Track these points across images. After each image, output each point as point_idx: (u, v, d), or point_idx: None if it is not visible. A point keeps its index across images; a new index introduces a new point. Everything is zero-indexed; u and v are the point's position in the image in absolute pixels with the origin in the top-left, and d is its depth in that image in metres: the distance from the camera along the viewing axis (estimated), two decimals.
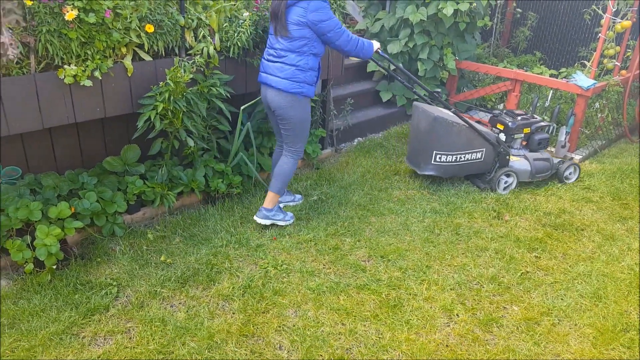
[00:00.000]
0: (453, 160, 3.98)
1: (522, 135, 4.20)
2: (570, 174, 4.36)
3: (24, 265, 2.80)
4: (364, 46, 3.28)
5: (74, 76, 2.83)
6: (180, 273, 2.95)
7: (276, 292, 2.86)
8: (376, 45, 3.43)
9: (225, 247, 3.22)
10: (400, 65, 4.31)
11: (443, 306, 2.81)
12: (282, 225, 3.47)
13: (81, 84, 2.86)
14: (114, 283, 2.85)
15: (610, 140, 5.33)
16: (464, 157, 3.99)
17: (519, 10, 6.78)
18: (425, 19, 4.88)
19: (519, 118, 4.20)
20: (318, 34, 3.09)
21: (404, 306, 2.80)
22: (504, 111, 4.34)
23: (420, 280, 3.02)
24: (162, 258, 3.07)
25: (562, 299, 2.93)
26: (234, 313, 2.70)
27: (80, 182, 3.19)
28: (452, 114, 3.96)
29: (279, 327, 2.62)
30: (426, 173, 4.04)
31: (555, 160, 4.32)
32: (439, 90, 4.64)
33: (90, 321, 2.59)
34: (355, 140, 5.12)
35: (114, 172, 3.37)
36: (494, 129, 4.26)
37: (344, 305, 2.78)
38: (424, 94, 4.34)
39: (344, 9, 4.12)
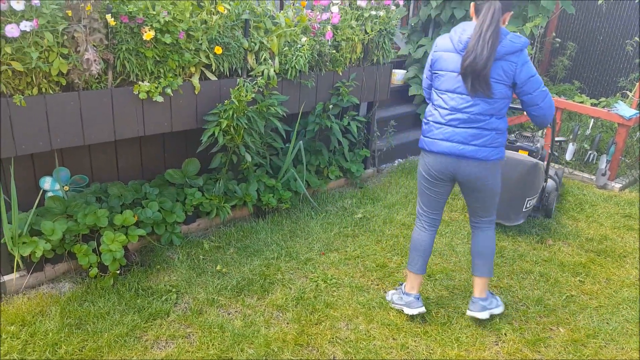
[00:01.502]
0: (536, 201, 3.88)
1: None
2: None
3: (89, 270, 2.94)
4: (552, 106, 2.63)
5: (147, 92, 3.03)
6: (236, 282, 3.06)
7: (327, 304, 2.95)
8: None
9: (276, 259, 3.34)
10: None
11: (491, 325, 2.87)
12: (498, 314, 2.90)
13: (153, 99, 3.05)
14: (173, 290, 2.96)
15: None
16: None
17: (558, 39, 6.88)
18: None
19: (536, 140, 4.10)
20: (520, 93, 2.52)
21: (453, 324, 2.87)
22: (517, 135, 4.24)
23: (468, 300, 3.08)
24: (217, 267, 3.20)
25: (607, 323, 2.96)
26: (288, 323, 2.79)
27: (143, 192, 3.36)
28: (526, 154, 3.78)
29: (332, 338, 2.70)
30: (517, 223, 3.78)
31: None
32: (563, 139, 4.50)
33: (152, 325, 2.69)
34: (396, 162, 5.24)
35: (173, 183, 3.54)
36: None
37: (394, 321, 2.86)
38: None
39: (393, 35, 4.28)
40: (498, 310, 2.88)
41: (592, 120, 5.25)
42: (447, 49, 2.52)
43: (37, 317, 2.68)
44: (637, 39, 5.36)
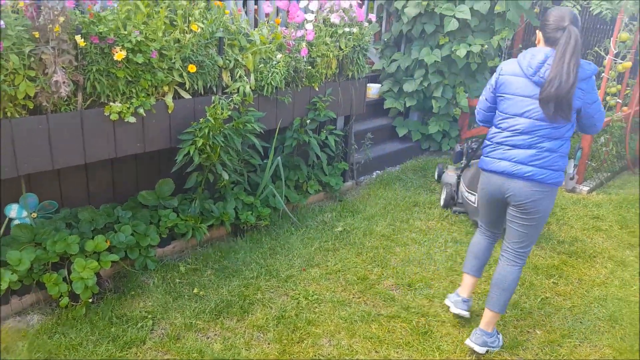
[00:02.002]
0: None
1: None
2: None
3: (59, 299, 2.81)
4: None
5: (119, 113, 2.97)
6: (214, 305, 2.99)
7: (309, 322, 2.92)
8: None
9: (256, 278, 3.29)
10: None
11: (471, 331, 2.89)
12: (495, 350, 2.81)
13: (125, 120, 3.00)
14: (149, 316, 2.88)
15: (615, 172, 5.53)
16: None
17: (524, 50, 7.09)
18: (440, 60, 5.14)
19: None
20: (584, 116, 2.55)
21: (434, 333, 2.89)
22: (466, 144, 4.47)
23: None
24: (195, 290, 3.12)
25: (581, 322, 3.04)
26: (269, 343, 2.75)
27: (115, 215, 3.27)
28: None
29: (315, 356, 2.67)
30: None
31: None
32: None
33: (127, 354, 2.60)
34: (374, 173, 5.28)
35: (147, 205, 3.46)
36: None
37: (376, 334, 2.85)
38: None
39: (366, 51, 4.34)
40: (496, 349, 2.79)
41: None
42: (515, 73, 2.54)
43: (2, 355, 2.55)
44: (597, 50, 5.58)
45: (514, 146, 2.56)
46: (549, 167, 2.53)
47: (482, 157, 2.75)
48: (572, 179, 4.97)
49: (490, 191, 2.71)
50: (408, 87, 5.37)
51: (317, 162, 4.38)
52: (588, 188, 5.01)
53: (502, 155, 2.60)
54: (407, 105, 5.48)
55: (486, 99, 2.72)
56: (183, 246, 3.57)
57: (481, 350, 2.71)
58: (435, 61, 5.14)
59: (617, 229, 4.23)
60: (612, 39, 4.95)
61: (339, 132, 4.45)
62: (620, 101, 5.45)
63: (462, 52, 4.95)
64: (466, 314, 2.93)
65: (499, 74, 2.61)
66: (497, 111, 2.67)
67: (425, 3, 4.95)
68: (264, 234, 3.82)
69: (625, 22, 4.90)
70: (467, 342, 2.76)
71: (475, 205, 3.96)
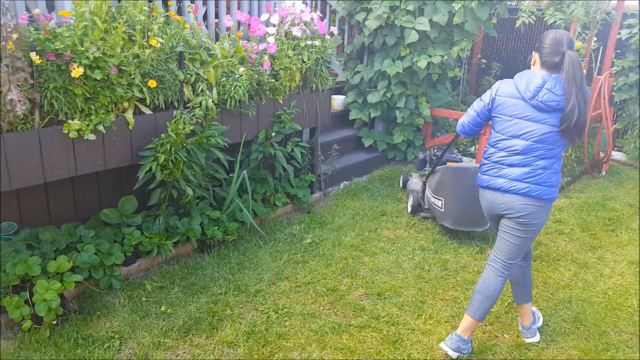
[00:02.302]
0: None
1: None
2: None
3: (21, 323, 2.74)
4: None
5: (78, 130, 2.92)
6: (182, 322, 2.95)
7: (280, 335, 2.90)
8: None
9: (224, 294, 3.26)
10: None
11: (440, 338, 2.92)
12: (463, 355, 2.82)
13: (85, 137, 2.94)
14: (116, 336, 2.82)
15: (575, 177, 5.71)
16: None
17: (483, 60, 7.32)
18: (401, 71, 5.23)
19: (456, 153, 4.56)
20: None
21: (404, 341, 2.90)
22: (429, 152, 4.63)
23: (417, 315, 3.14)
24: (162, 308, 3.07)
25: (547, 325, 3.10)
26: (239, 359, 2.72)
27: (78, 235, 3.20)
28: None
29: None
30: (485, 227, 4.00)
31: None
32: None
33: None
34: (342, 184, 5.31)
35: (110, 224, 3.40)
36: None
37: (347, 345, 2.85)
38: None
39: (329, 64, 4.39)
40: (466, 355, 2.82)
41: None
42: (512, 95, 2.60)
43: None
44: None
45: (510, 165, 2.63)
46: (543, 183, 2.58)
47: (479, 175, 2.81)
48: None
49: (487, 207, 2.79)
50: (372, 98, 5.45)
51: (284, 174, 4.38)
52: None
53: (498, 173, 2.67)
54: (372, 116, 5.55)
55: (477, 115, 2.76)
56: (149, 264, 3.50)
57: (454, 355, 2.76)
58: (397, 72, 5.23)
59: (579, 232, 4.36)
60: None
61: (305, 144, 4.47)
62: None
63: (422, 63, 5.06)
64: (456, 354, 2.81)
65: (496, 94, 2.66)
66: (493, 131, 2.73)
67: (385, 16, 5.04)
68: (232, 248, 3.78)
69: (578, 32, 5.11)
70: (442, 345, 2.80)
71: (443, 210, 4.03)
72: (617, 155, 6.60)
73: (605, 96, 5.45)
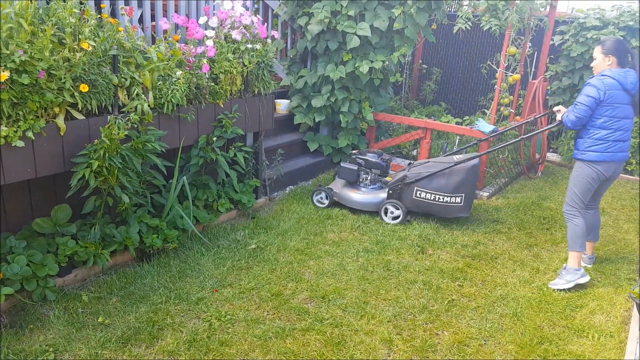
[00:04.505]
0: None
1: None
2: None
3: None
4: None
5: (5, 137, 2.78)
6: (121, 333, 2.87)
7: (222, 343, 2.87)
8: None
9: (165, 303, 3.19)
10: None
11: (382, 338, 2.98)
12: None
13: (13, 144, 2.81)
14: (50, 349, 2.72)
15: (512, 178, 5.96)
16: None
17: (424, 66, 7.52)
18: (344, 76, 5.31)
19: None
20: None
21: (347, 342, 2.93)
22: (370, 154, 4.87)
23: (360, 316, 3.18)
24: (99, 319, 2.98)
25: (485, 321, 3.21)
26: None
27: (8, 246, 3.05)
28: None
29: None
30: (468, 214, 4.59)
31: None
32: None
33: None
34: (288, 189, 5.31)
35: (43, 233, 3.26)
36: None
37: (290, 349, 2.85)
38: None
39: (271, 68, 4.38)
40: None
41: (458, 137, 5.75)
42: (617, 88, 3.49)
43: None
44: (490, 63, 6.04)
45: (624, 140, 3.60)
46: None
47: (592, 152, 3.57)
48: None
49: (605, 174, 3.61)
50: (316, 102, 5.49)
51: (227, 180, 4.33)
52: (488, 194, 5.36)
53: (618, 148, 3.59)
54: (317, 120, 5.60)
55: (589, 107, 3.53)
56: (85, 274, 3.38)
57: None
58: (340, 77, 5.30)
59: (515, 231, 4.55)
60: (502, 53, 5.37)
61: (248, 149, 4.45)
62: (513, 111, 5.91)
63: (364, 68, 5.15)
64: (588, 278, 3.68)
65: (607, 89, 3.49)
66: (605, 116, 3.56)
67: (327, 20, 5.11)
68: (173, 257, 3.71)
69: (513, 37, 5.35)
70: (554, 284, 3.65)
71: (462, 204, 4.51)
72: (551, 156, 6.96)
73: (539, 100, 5.72)
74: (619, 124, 3.53)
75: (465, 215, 4.56)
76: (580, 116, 3.53)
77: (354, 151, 4.87)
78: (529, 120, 4.93)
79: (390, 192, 4.64)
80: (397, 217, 4.58)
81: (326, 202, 4.79)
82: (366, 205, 4.70)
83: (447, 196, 4.48)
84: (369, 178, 4.80)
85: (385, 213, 4.62)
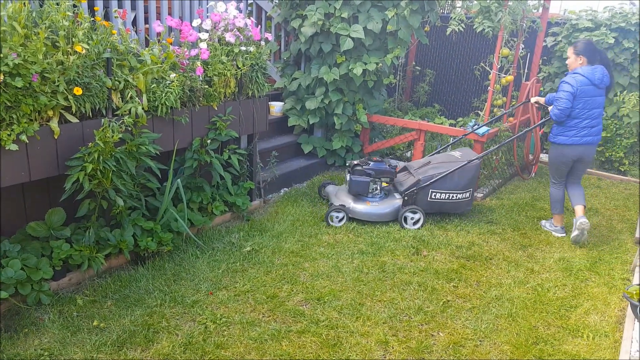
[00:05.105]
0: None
1: None
2: None
3: None
4: None
5: None
6: (116, 336, 2.87)
7: (218, 345, 2.87)
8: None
9: (160, 306, 3.18)
10: None
11: (378, 339, 2.98)
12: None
13: (6, 148, 2.80)
14: (46, 353, 2.71)
15: (506, 179, 5.99)
16: None
17: (417, 68, 7.55)
18: (338, 78, 5.32)
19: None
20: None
21: (343, 344, 2.94)
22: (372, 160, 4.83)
23: (356, 317, 3.18)
24: (95, 323, 2.97)
25: (481, 322, 3.22)
26: None
27: (2, 250, 3.04)
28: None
29: None
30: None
31: None
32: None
33: None
34: (282, 191, 5.31)
35: (37, 237, 3.24)
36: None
37: (286, 351, 2.85)
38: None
39: (265, 70, 4.39)
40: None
41: (452, 138, 5.77)
42: (587, 83, 4.14)
43: None
44: (483, 65, 6.07)
45: (593, 127, 4.27)
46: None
47: (562, 136, 4.27)
48: None
49: (577, 157, 4.30)
50: (310, 104, 5.50)
51: (222, 182, 4.33)
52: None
53: (586, 133, 4.26)
54: (311, 122, 5.60)
55: (571, 104, 4.19)
56: (80, 278, 3.37)
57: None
58: (334, 79, 5.31)
59: (510, 232, 4.57)
60: (495, 54, 5.40)
61: (242, 152, 4.45)
62: (506, 112, 5.94)
63: (358, 70, 5.17)
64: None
65: (580, 86, 4.15)
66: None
67: (320, 23, 5.12)
68: (167, 259, 3.70)
69: (505, 39, 5.38)
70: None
71: (470, 199, 4.75)
72: (545, 157, 6.99)
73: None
74: (589, 114, 4.20)
75: (469, 208, 4.80)
76: (563, 107, 4.17)
77: (354, 162, 4.73)
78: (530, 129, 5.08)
79: (406, 198, 4.58)
80: (418, 221, 4.55)
81: (344, 220, 4.56)
82: (384, 216, 4.58)
83: (460, 193, 4.62)
84: (378, 187, 4.67)
85: (405, 221, 4.54)
